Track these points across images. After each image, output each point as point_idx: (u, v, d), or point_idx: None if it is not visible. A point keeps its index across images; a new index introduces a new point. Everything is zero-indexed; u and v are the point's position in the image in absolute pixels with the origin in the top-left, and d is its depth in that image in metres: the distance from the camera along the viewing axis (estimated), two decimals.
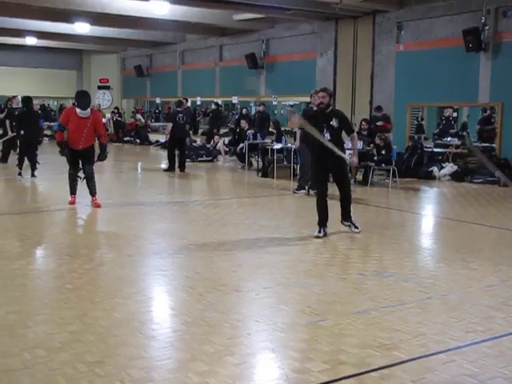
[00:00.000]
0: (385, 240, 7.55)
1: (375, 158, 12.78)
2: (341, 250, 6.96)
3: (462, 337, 4.28)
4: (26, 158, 12.97)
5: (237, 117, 20.76)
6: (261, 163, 14.63)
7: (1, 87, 26.22)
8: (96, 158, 9.49)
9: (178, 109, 15.19)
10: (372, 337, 4.25)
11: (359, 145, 12.85)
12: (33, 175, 12.83)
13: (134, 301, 4.97)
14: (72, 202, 9.48)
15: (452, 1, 14.14)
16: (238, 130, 18.00)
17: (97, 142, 9.50)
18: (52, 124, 27.90)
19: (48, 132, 26.82)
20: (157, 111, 27.51)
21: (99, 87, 28.10)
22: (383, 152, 12.64)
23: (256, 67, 19.85)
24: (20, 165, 13.00)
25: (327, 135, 7.43)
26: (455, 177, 13.58)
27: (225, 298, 5.09)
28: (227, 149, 18.47)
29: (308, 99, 19.61)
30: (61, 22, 19.71)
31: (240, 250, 6.83)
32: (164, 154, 17.42)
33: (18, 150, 13.68)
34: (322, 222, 7.57)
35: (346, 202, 7.73)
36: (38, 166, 12.96)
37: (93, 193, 9.46)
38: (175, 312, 4.78)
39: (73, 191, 9.56)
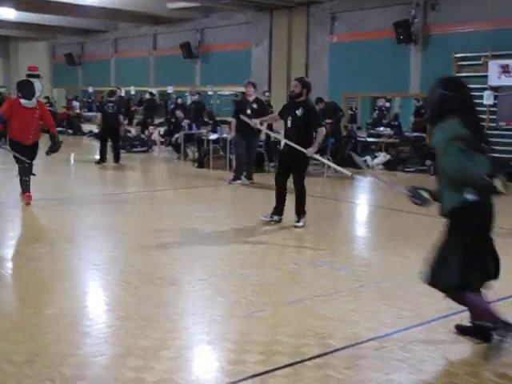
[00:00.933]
0: (320, 229, 7.69)
1: None
2: (276, 241, 7.02)
3: (393, 323, 4.41)
4: None
5: (172, 106, 20.64)
6: (197, 154, 14.58)
7: None
8: (48, 150, 8.92)
9: (109, 98, 14.90)
10: (307, 326, 4.32)
11: None
12: None
13: (66, 296, 4.88)
14: (29, 200, 8.65)
15: None
16: (173, 120, 17.83)
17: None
18: None
19: None
20: (89, 100, 26.86)
21: (28, 76, 27.06)
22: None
23: (191, 57, 19.72)
24: None
25: (289, 123, 7.55)
26: (388, 166, 13.93)
27: (161, 292, 5.07)
28: (162, 139, 18.28)
29: (243, 89, 19.96)
30: None
31: (176, 243, 6.79)
32: (97, 144, 17.07)
33: None
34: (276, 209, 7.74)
35: (296, 197, 7.71)
36: None
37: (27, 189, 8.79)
38: (109, 307, 4.73)
39: (26, 188, 8.67)
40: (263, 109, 11.25)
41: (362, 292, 5.16)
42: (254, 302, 4.82)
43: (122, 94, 22.26)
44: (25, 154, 8.50)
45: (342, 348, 3.96)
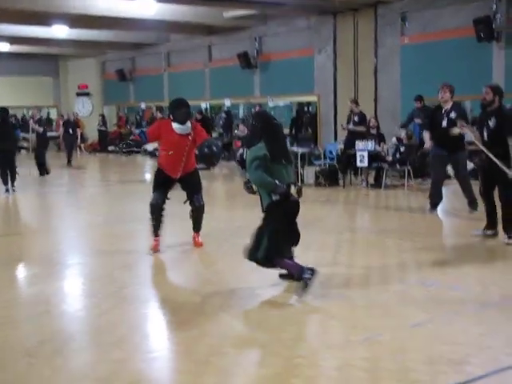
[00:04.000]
0: (418, 245, 7.56)
1: (388, 158, 12.85)
2: (376, 261, 6.94)
3: None
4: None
5: (223, 120, 21.43)
6: None
7: None
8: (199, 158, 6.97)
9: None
10: (436, 352, 4.25)
11: (370, 145, 12.99)
12: (12, 186, 13.03)
13: (172, 324, 4.92)
14: (156, 248, 7.30)
15: None
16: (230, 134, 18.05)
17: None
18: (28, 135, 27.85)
19: (24, 144, 26.67)
20: (138, 117, 27.35)
21: (78, 94, 27.94)
22: (402, 149, 12.69)
23: (249, 67, 19.88)
24: (4, 180, 13.06)
25: (485, 135, 7.53)
26: (473, 175, 13.61)
27: (269, 315, 5.06)
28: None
29: (306, 98, 20.00)
30: (37, 25, 19.58)
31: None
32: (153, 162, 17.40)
33: None
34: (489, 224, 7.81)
35: (504, 213, 7.63)
36: (17, 177, 13.17)
37: (197, 228, 7.64)
38: (222, 335, 4.73)
39: (157, 230, 7.33)
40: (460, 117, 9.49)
41: (486, 313, 5.04)
42: (370, 326, 4.77)
43: None
44: (164, 185, 7.26)
45: (484, 375, 3.87)
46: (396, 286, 5.91)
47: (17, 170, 13.21)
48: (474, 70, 14.18)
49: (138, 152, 7.11)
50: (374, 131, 13.60)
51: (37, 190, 14.35)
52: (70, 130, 19.72)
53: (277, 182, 5.32)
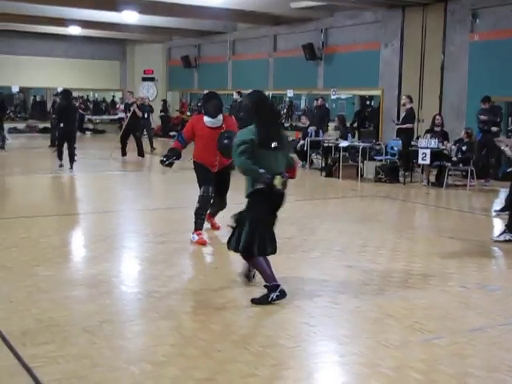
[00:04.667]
0: (480, 249, 7.38)
1: (453, 158, 12.52)
2: (431, 260, 6.80)
3: None
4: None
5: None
6: (320, 161, 14.52)
7: (42, 79, 26.67)
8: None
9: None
10: (497, 358, 4.14)
11: (433, 143, 12.72)
12: (71, 167, 13.78)
13: (228, 312, 4.95)
14: (203, 243, 7.17)
15: None
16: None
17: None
18: (95, 117, 28.51)
19: (90, 126, 27.30)
20: (199, 104, 27.49)
21: (143, 79, 28.30)
22: (464, 148, 12.34)
23: (314, 58, 19.73)
24: (60, 156, 14.10)
25: None
26: None
27: (324, 312, 5.03)
28: None
29: (370, 92, 19.72)
30: (107, 10, 19.89)
31: (325, 257, 6.75)
32: None
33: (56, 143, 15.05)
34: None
35: None
36: (76, 158, 13.89)
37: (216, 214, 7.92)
38: (277, 326, 4.70)
39: (200, 225, 7.25)
40: None
41: None
42: (429, 328, 4.68)
43: (240, 99, 22.60)
44: (209, 176, 7.23)
45: None
46: (456, 288, 5.77)
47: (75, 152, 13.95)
48: None
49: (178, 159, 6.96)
50: (438, 129, 13.32)
51: (100, 172, 14.62)
52: (146, 115, 19.46)
53: (261, 170, 4.94)
